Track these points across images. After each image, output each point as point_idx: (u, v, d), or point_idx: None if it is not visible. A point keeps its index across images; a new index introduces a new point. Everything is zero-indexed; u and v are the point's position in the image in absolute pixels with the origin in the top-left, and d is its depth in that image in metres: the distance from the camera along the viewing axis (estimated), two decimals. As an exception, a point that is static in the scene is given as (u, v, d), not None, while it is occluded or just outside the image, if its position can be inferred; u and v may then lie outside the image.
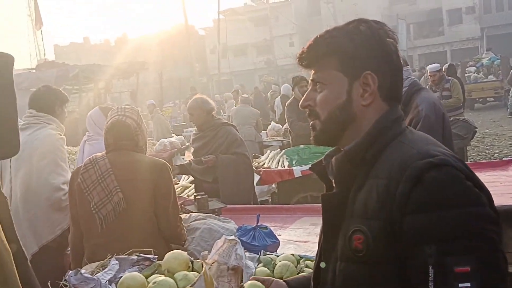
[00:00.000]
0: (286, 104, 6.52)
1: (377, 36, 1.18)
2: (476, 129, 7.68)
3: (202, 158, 4.46)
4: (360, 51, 1.18)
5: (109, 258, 1.82)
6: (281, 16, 40.87)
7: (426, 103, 3.79)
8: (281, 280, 1.43)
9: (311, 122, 1.25)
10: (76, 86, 14.08)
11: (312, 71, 1.25)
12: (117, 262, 1.74)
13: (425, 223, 1.01)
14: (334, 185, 1.24)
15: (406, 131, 1.19)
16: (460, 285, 0.97)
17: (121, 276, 1.62)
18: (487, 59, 19.73)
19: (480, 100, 18.67)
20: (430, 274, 0.99)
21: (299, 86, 6.06)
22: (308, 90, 1.26)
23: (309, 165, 4.63)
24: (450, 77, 7.93)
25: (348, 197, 1.16)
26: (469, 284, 0.97)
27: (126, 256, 1.80)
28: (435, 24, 39.27)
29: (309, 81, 1.26)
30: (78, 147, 4.80)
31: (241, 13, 42.32)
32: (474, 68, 19.71)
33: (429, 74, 7.79)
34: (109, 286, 1.60)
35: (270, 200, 6.23)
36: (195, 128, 4.88)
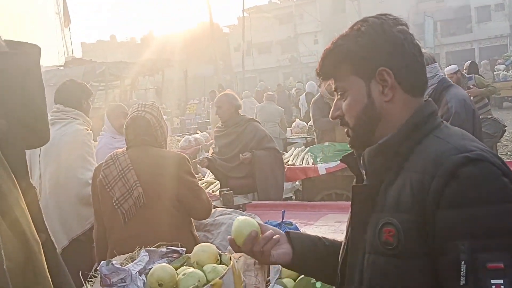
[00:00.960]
0: (312, 101, 6.49)
1: (380, 30, 1.18)
2: (506, 128, 7.50)
3: (240, 156, 4.49)
4: (367, 51, 1.18)
5: (138, 251, 1.84)
6: (306, 13, 40.72)
7: (456, 100, 3.72)
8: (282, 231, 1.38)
9: (345, 130, 1.27)
10: (102, 83, 14.32)
11: (331, 81, 1.27)
12: (147, 254, 1.77)
13: (459, 218, 1.00)
14: (365, 177, 1.23)
15: (441, 125, 1.18)
16: (493, 281, 0.96)
17: (151, 268, 1.64)
18: (515, 56, 19.29)
19: (509, 98, 18.27)
20: (462, 270, 0.98)
21: (325, 83, 5.99)
22: (335, 100, 1.28)
23: (334, 163, 4.62)
24: (471, 75, 7.73)
25: (379, 190, 1.15)
26: (501, 281, 0.96)
27: (155, 248, 1.83)
28: (463, 21, 38.51)
29: (333, 90, 1.28)
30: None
31: (266, 11, 42.30)
32: (503, 66, 19.29)
33: (447, 76, 7.54)
34: (139, 277, 1.62)
35: (293, 197, 6.22)
36: (218, 125, 4.88)
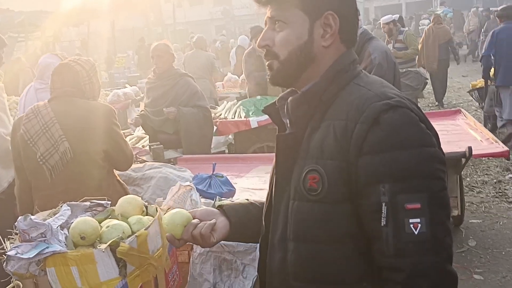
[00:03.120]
0: (244, 54, 6.44)
1: None
2: (427, 80, 7.88)
3: (164, 109, 4.36)
4: None
5: (61, 206, 1.79)
6: (238, -38, 39.66)
7: (378, 51, 3.87)
8: (213, 208, 1.39)
9: (268, 62, 1.23)
10: (22, 34, 13.39)
11: (270, 9, 1.21)
12: (68, 208, 1.72)
13: (381, 162, 1.03)
14: (288, 126, 1.23)
15: (361, 74, 1.20)
16: (411, 220, 1.01)
17: (73, 222, 1.60)
18: (440, 12, 20.01)
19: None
20: (383, 211, 1.02)
21: (256, 38, 5.94)
22: (266, 28, 1.23)
23: (266, 116, 4.67)
24: (404, 29, 7.95)
25: (303, 138, 1.16)
26: (418, 220, 1.01)
27: (78, 202, 1.78)
28: (392, -25, 39.18)
29: (266, 18, 1.23)
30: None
31: (197, -40, 40.75)
32: (428, 21, 19.97)
33: (381, 26, 7.74)
34: (61, 231, 1.58)
35: (226, 151, 6.26)
36: (149, 76, 4.72)
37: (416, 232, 1.01)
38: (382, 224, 1.03)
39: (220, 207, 1.37)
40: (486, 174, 5.74)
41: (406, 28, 7.95)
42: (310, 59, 1.18)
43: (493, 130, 6.60)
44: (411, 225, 1.01)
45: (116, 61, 15.83)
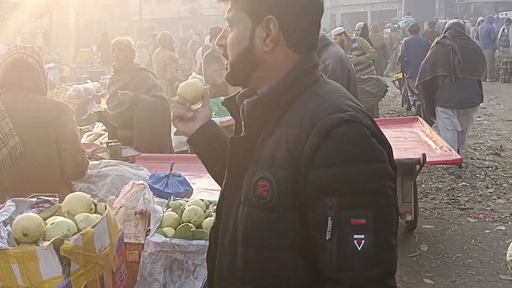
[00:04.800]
0: (204, 55, 6.40)
1: None
2: (388, 88, 8.06)
3: (118, 92, 4.22)
4: None
5: (6, 201, 1.73)
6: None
7: (333, 57, 3.96)
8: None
9: (225, 62, 1.23)
10: (-20, 24, 12.90)
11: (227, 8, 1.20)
12: (13, 203, 1.66)
13: (329, 176, 1.03)
14: (243, 128, 1.23)
15: (320, 80, 1.19)
16: (355, 236, 1.02)
17: (17, 218, 1.55)
18: (403, 21, 20.50)
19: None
20: (328, 225, 1.02)
21: (215, 38, 5.89)
22: (224, 28, 1.23)
23: (228, 117, 4.63)
24: (356, 37, 8.25)
25: (256, 142, 1.15)
26: (363, 236, 1.02)
27: (24, 198, 1.73)
28: (359, -16, 39.90)
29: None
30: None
31: (166, -44, 40.30)
32: (389, 30, 20.43)
33: (333, 38, 7.95)
34: (4, 227, 1.53)
35: (189, 151, 6.21)
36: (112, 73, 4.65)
37: (359, 248, 1.02)
38: (327, 238, 1.03)
39: (209, 120, 1.43)
40: (441, 181, 5.90)
41: (357, 37, 8.32)
42: (254, 63, 1.17)
43: (408, 107, 9.86)
44: (355, 241, 1.02)
45: (79, 56, 15.48)
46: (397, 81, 10.47)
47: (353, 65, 5.13)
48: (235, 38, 1.18)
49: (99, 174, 3.24)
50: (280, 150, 1.10)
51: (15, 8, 12.85)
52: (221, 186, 1.31)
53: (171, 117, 1.50)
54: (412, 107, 9.47)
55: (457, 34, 6.21)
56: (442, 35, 6.41)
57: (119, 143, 3.91)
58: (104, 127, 5.19)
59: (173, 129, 5.42)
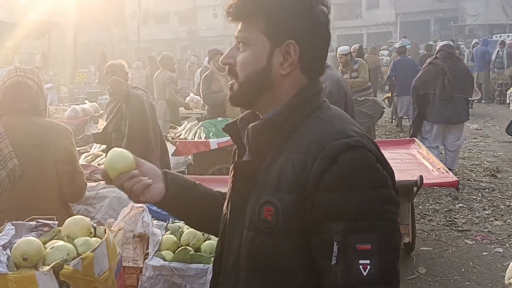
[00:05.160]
0: (202, 77, 6.44)
1: (308, 3, 1.15)
2: (384, 109, 8.14)
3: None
4: (287, 17, 1.14)
5: (5, 225, 1.73)
6: (204, -17, 39.93)
7: (330, 80, 4.01)
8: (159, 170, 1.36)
9: (230, 82, 1.23)
10: (-20, 44, 12.97)
11: (239, 27, 1.20)
12: (13, 227, 1.66)
13: (336, 201, 1.04)
14: (247, 152, 1.23)
15: (324, 105, 1.20)
16: (361, 261, 1.02)
17: (16, 242, 1.55)
18: (399, 43, 20.78)
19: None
20: (334, 250, 1.03)
21: (214, 60, 5.96)
22: (231, 46, 1.23)
23: (226, 138, 4.66)
24: (358, 59, 8.31)
25: (261, 167, 1.16)
26: (368, 261, 1.02)
27: (23, 222, 1.72)
28: (354, 6, 40.52)
29: (235, 36, 1.22)
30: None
31: (163, -22, 40.86)
32: (387, 51, 20.68)
33: (338, 56, 8.15)
34: (3, 251, 1.52)
35: (186, 171, 6.22)
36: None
37: (365, 273, 1.02)
38: (333, 263, 1.03)
39: (165, 173, 1.35)
40: (438, 202, 5.91)
41: (359, 59, 8.39)
42: (267, 85, 1.18)
43: (398, 125, 10.93)
44: (360, 266, 1.02)
45: (77, 76, 15.55)
46: (386, 99, 11.43)
47: (349, 87, 5.19)
48: (251, 58, 1.17)
49: (97, 196, 3.25)
50: (285, 174, 1.10)
51: (13, 29, 12.95)
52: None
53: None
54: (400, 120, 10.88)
55: (447, 56, 6.61)
56: (434, 56, 6.84)
57: (117, 164, 3.90)
58: (101, 147, 5.20)
59: (172, 150, 5.46)
